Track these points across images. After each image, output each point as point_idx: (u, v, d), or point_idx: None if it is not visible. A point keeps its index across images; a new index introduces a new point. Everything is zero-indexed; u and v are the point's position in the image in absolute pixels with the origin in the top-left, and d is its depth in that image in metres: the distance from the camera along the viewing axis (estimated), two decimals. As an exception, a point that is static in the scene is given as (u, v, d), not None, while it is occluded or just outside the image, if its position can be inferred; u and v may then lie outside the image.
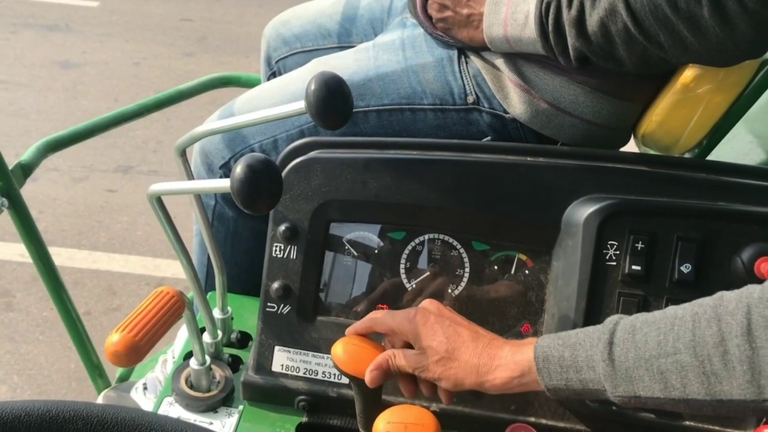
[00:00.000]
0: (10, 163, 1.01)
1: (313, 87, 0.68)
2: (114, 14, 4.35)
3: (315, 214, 0.83)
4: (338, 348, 0.72)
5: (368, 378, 0.71)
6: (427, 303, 0.74)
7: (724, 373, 0.55)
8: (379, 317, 0.74)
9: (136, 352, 0.63)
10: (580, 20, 0.78)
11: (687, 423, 0.78)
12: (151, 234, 2.70)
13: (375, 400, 0.74)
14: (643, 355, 0.58)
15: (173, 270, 2.56)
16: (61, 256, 2.59)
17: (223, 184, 0.64)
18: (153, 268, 2.58)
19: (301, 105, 0.71)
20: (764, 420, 0.77)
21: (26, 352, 2.16)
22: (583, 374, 0.62)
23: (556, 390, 0.64)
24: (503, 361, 0.66)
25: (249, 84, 1.34)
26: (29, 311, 2.31)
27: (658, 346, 0.58)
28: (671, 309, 0.61)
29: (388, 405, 0.79)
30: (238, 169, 0.62)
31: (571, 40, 0.80)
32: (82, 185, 2.94)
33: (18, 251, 2.44)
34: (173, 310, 0.69)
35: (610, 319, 0.63)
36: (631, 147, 1.01)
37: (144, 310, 0.67)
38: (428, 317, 0.71)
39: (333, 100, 0.68)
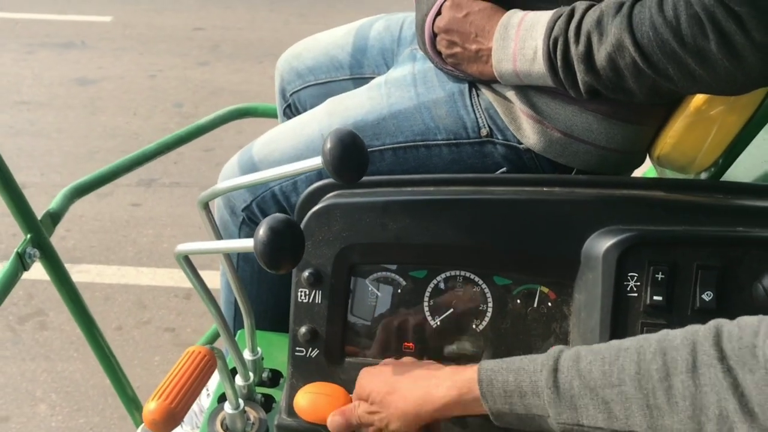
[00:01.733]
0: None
1: (328, 145, 0.70)
2: (127, 28, 4.40)
3: (337, 259, 0.84)
4: (299, 399, 0.76)
5: (329, 422, 0.74)
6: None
7: (666, 407, 0.56)
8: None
9: (173, 419, 0.65)
10: (588, 55, 0.79)
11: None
12: (177, 245, 2.74)
13: None
14: (587, 384, 0.60)
15: (201, 283, 2.58)
16: (90, 273, 2.64)
17: (247, 245, 0.66)
18: (181, 279, 2.62)
19: (318, 162, 0.72)
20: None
21: (62, 370, 2.21)
22: (528, 399, 0.63)
23: (500, 414, 0.65)
24: (441, 380, 0.68)
25: (266, 114, 1.36)
26: (63, 329, 2.36)
27: (603, 376, 0.59)
28: (616, 342, 0.62)
29: None
30: (261, 231, 0.64)
31: (580, 75, 0.80)
32: (107, 201, 2.99)
33: (49, 271, 2.50)
34: (206, 369, 0.72)
35: (555, 348, 0.64)
36: (646, 164, 1.02)
37: (178, 374, 0.70)
38: (369, 371, 0.74)
39: (349, 157, 0.70)
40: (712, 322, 0.57)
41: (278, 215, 0.65)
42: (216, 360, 0.75)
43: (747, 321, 0.55)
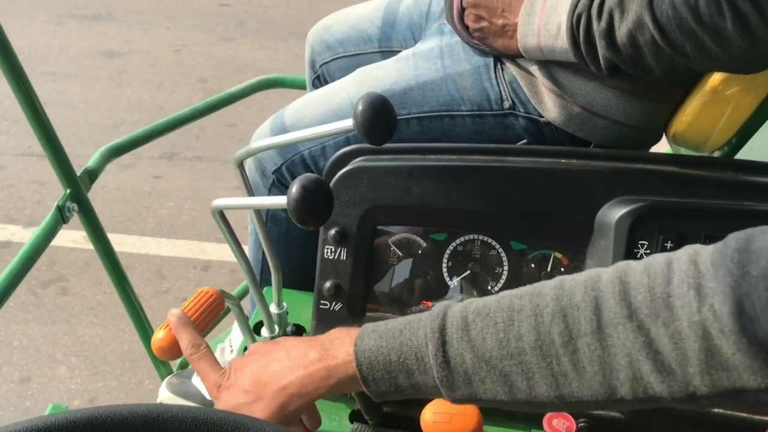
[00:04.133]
0: (70, 156, 1.08)
1: (360, 108, 0.74)
2: (154, 2, 4.44)
3: (362, 219, 0.89)
4: None
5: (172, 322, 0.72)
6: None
7: (573, 373, 0.50)
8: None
9: (178, 347, 0.72)
10: (609, 32, 0.82)
11: (716, 410, 0.83)
12: (197, 218, 2.80)
13: None
14: (482, 356, 0.53)
15: (219, 253, 2.65)
16: (111, 242, 2.71)
17: (281, 201, 0.71)
18: (199, 251, 2.68)
19: (349, 123, 0.77)
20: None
21: (82, 335, 2.27)
22: (416, 378, 0.56)
23: (384, 394, 0.58)
24: (311, 370, 0.60)
25: (294, 85, 1.40)
26: (83, 295, 2.43)
27: (498, 346, 0.52)
28: (505, 298, 0.54)
29: None
30: (294, 189, 0.68)
31: (601, 51, 0.84)
32: (129, 172, 3.05)
33: (70, 238, 2.56)
34: (213, 307, 0.77)
35: (438, 310, 0.57)
36: (662, 144, 1.05)
37: (186, 309, 0.76)
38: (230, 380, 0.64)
39: (378, 120, 0.74)
40: (614, 271, 0.51)
41: (309, 174, 0.70)
42: (224, 302, 0.80)
43: (656, 267, 0.50)
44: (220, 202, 0.81)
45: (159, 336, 0.74)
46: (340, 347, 0.59)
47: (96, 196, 2.90)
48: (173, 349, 0.73)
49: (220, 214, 0.82)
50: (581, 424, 0.85)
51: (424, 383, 0.56)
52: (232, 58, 3.84)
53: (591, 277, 0.52)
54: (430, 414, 0.74)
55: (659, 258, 0.51)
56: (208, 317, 0.78)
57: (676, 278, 0.48)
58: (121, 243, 2.71)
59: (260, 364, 0.63)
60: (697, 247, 0.51)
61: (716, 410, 0.83)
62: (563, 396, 0.51)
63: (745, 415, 0.83)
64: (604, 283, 0.51)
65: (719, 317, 0.45)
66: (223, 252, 2.63)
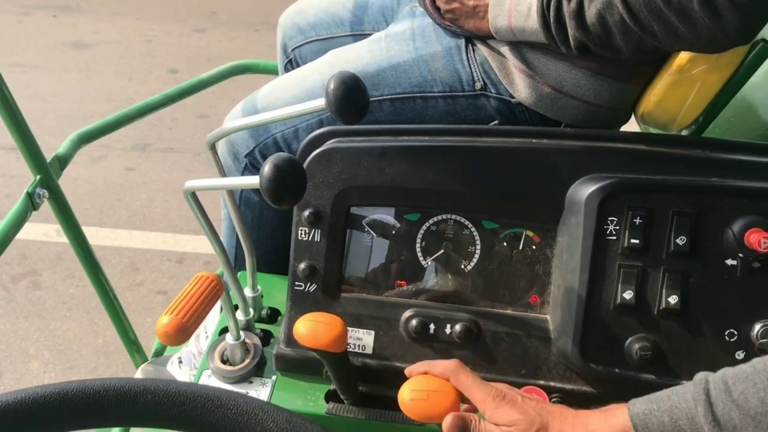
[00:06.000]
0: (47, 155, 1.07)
1: (332, 86, 0.74)
2: (123, -8, 4.39)
3: (336, 200, 0.89)
4: (299, 326, 0.77)
5: (445, 425, 0.73)
6: (505, 387, 0.74)
7: None
8: (443, 368, 0.74)
9: (184, 331, 0.70)
10: (579, 12, 0.83)
11: (686, 383, 0.85)
12: (170, 210, 2.77)
13: (345, 367, 0.79)
14: (747, 413, 0.60)
15: (194, 245, 2.63)
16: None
17: (253, 181, 0.70)
18: (173, 243, 2.66)
19: (321, 102, 0.77)
20: None
21: (55, 329, 2.25)
22: None
23: None
24: (597, 426, 0.67)
25: (266, 70, 1.39)
26: (56, 289, 2.40)
27: (761, 403, 0.59)
28: (760, 363, 0.62)
29: (362, 371, 0.87)
30: (266, 168, 0.68)
31: (571, 31, 0.85)
32: (101, 164, 3.01)
33: (42, 231, 2.53)
34: (214, 292, 0.77)
35: (698, 379, 0.65)
36: (631, 124, 1.07)
37: (188, 294, 0.75)
38: (516, 397, 0.72)
39: (350, 98, 0.74)
40: None
41: (282, 154, 0.70)
42: (223, 287, 0.80)
43: None
44: (192, 183, 0.80)
45: (164, 321, 0.72)
46: (617, 413, 0.67)
47: (67, 188, 2.85)
48: (179, 334, 0.72)
49: (192, 196, 0.81)
50: (554, 399, 0.86)
51: None
52: (204, 49, 3.81)
53: None
54: (407, 392, 0.74)
55: None
56: (211, 301, 0.78)
57: None
58: (93, 236, 2.66)
59: (555, 408, 0.71)
60: None
61: (685, 382, 0.85)
62: None
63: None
64: None
65: None
66: (198, 244, 2.61)
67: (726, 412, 0.61)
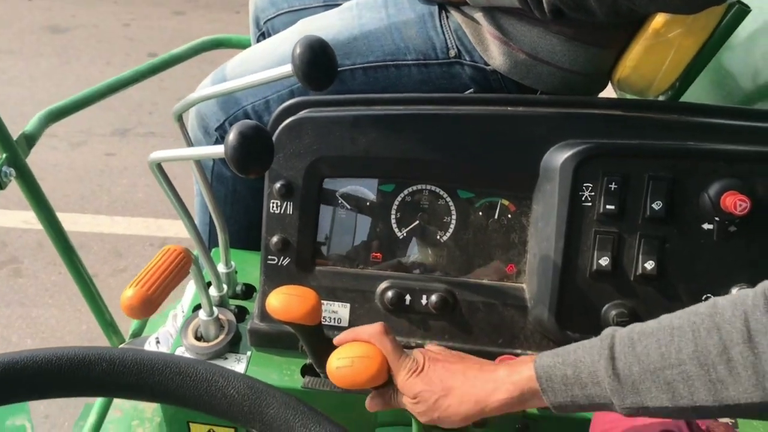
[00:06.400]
0: (14, 133, 1.05)
1: (298, 51, 0.72)
2: (99, -25, 4.32)
3: (308, 171, 0.87)
4: (272, 299, 0.75)
5: (368, 403, 0.75)
6: (418, 353, 0.73)
7: (729, 379, 0.57)
8: (368, 334, 0.74)
9: (149, 304, 0.69)
10: None
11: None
12: (152, 195, 2.74)
13: (320, 340, 0.77)
14: (647, 367, 0.60)
15: (176, 230, 2.61)
16: (65, 221, 2.59)
17: (218, 150, 0.69)
18: (156, 228, 2.63)
19: (288, 68, 0.75)
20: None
21: (37, 316, 2.22)
22: (589, 390, 0.64)
23: (562, 406, 0.66)
24: (500, 384, 0.68)
25: (240, 45, 1.37)
26: (37, 276, 2.37)
27: (661, 358, 0.60)
28: (666, 319, 0.63)
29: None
30: (231, 136, 0.66)
31: None
32: (81, 150, 2.97)
33: (22, 218, 2.49)
34: (181, 265, 0.75)
35: (606, 334, 0.65)
36: (608, 92, 1.06)
37: (154, 267, 0.73)
38: (426, 365, 0.71)
39: (318, 63, 0.72)
40: (760, 288, 0.58)
41: (248, 121, 0.68)
42: (191, 259, 0.78)
43: None
44: (157, 154, 0.78)
45: (129, 294, 0.70)
46: (522, 366, 0.68)
47: (47, 175, 2.84)
48: (144, 307, 0.70)
49: (159, 168, 0.79)
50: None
51: (596, 394, 0.63)
52: (183, 32, 3.76)
53: (740, 296, 0.59)
54: (333, 360, 0.72)
55: None
56: (178, 275, 0.76)
57: None
58: (75, 222, 2.65)
59: (460, 368, 0.71)
60: None
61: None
62: (721, 400, 0.58)
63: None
64: (751, 297, 0.58)
65: None
66: (180, 228, 2.57)
67: (627, 366, 0.61)
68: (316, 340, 0.79)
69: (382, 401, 0.74)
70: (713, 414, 0.60)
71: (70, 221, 2.66)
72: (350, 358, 0.71)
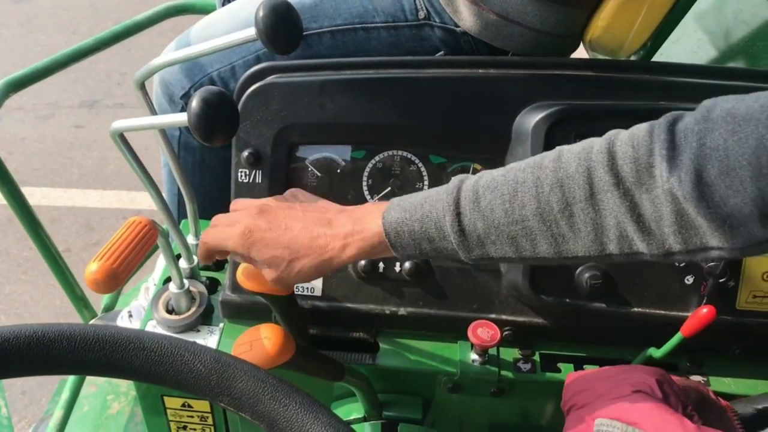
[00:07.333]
0: None
1: (261, 13, 0.70)
2: (62, -60, 4.19)
3: (276, 139, 0.85)
4: (241, 271, 0.74)
5: (199, 252, 0.74)
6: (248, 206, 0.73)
7: (570, 234, 0.59)
8: (209, 240, 0.73)
9: (114, 278, 0.67)
10: None
11: (636, 309, 0.85)
12: (124, 167, 2.70)
13: (293, 310, 0.77)
14: (491, 223, 0.61)
15: (149, 202, 2.55)
16: (35, 196, 2.60)
17: (182, 118, 0.67)
18: (129, 201, 2.60)
19: (251, 32, 0.72)
20: (704, 301, 0.84)
21: (11, 293, 2.20)
22: (436, 243, 0.65)
23: (410, 257, 0.68)
24: (349, 241, 0.67)
25: (205, 10, 1.33)
26: (9, 252, 2.33)
27: (505, 214, 0.61)
28: (512, 171, 0.63)
29: (312, 314, 0.86)
30: (194, 103, 0.64)
31: None
32: (49, 123, 2.91)
33: (-10, 194, 2.44)
34: (147, 237, 0.73)
35: (453, 185, 0.65)
36: (581, 53, 1.04)
37: (119, 240, 0.71)
38: (253, 235, 0.70)
39: (282, 26, 0.70)
40: (604, 143, 0.58)
41: (211, 87, 0.66)
42: (157, 231, 0.76)
43: (639, 137, 0.56)
44: (119, 123, 0.76)
45: (93, 268, 0.68)
46: (371, 221, 0.67)
47: (15, 149, 2.78)
48: (108, 281, 0.68)
49: (121, 137, 0.77)
50: (506, 332, 0.85)
51: (444, 248, 0.64)
52: (151, 0, 3.67)
53: (584, 149, 0.59)
54: (234, 347, 0.73)
55: (643, 127, 0.57)
56: (144, 247, 0.74)
57: (657, 147, 0.54)
58: (45, 196, 2.60)
59: (302, 224, 0.69)
60: (677, 114, 0.56)
61: (635, 309, 0.85)
62: (561, 253, 0.60)
63: (662, 312, 0.85)
64: (595, 153, 0.58)
65: (683, 185, 0.52)
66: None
67: (472, 222, 0.62)
68: (289, 311, 0.78)
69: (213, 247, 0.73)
70: (553, 263, 0.62)
71: (40, 195, 2.62)
72: (249, 343, 0.72)
